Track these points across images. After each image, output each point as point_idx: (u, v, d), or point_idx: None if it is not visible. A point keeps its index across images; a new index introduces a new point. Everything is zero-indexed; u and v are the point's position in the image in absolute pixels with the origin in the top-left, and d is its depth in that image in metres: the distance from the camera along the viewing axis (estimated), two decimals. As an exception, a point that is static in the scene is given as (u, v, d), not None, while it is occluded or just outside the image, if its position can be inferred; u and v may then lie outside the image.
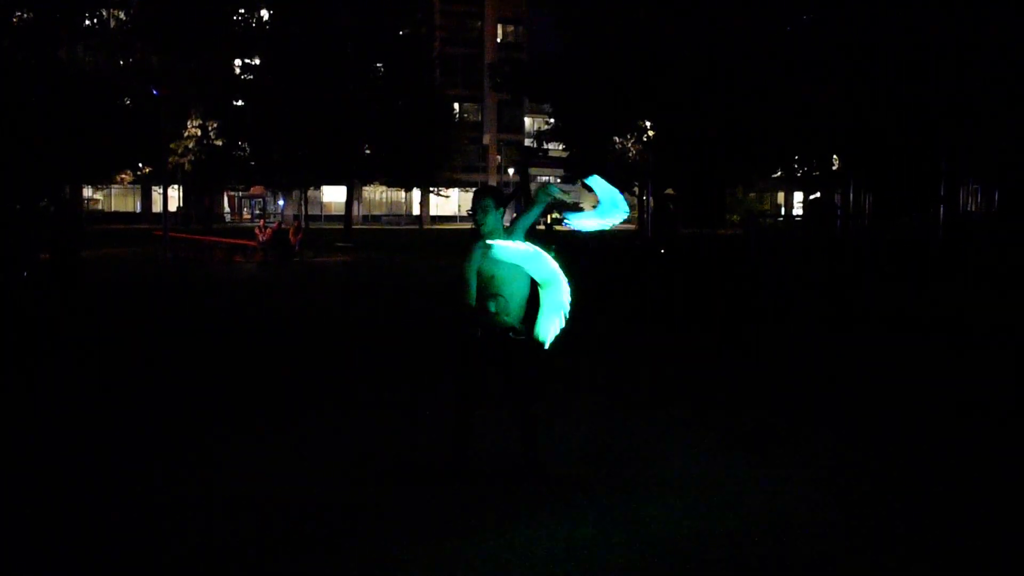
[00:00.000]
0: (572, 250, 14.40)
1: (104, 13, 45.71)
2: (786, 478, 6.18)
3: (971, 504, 5.77)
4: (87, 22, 43.38)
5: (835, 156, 38.17)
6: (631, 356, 11.20)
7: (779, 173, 44.68)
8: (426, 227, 65.18)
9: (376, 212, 73.79)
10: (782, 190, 71.71)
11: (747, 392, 8.97)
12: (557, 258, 5.98)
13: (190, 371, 10.03)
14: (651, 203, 41.25)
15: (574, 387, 9.00)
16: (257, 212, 68.44)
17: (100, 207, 67.32)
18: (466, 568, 4.72)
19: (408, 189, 65.92)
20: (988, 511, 5.65)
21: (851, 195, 38.12)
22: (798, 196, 68.39)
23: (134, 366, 10.36)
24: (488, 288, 5.82)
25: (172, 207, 50.00)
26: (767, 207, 71.07)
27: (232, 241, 29.84)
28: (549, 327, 5.74)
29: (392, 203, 74.66)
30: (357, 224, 58.43)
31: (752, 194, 69.32)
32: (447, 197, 71.15)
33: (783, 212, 68.39)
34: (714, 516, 5.44)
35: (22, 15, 37.02)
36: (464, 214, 72.86)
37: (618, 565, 4.77)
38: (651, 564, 4.79)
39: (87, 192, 64.27)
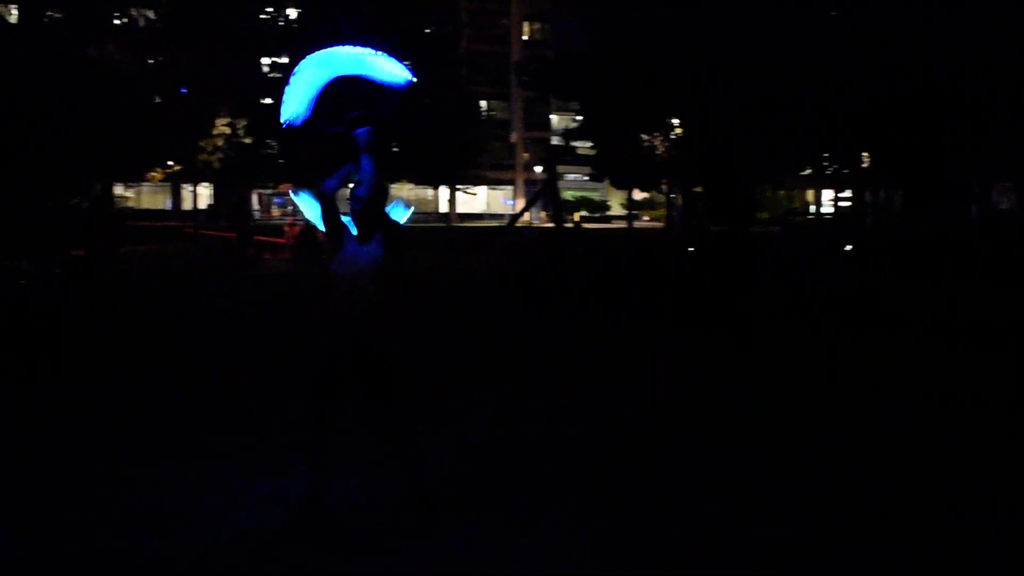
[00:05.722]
0: (597, 248, 14.38)
1: (134, 12, 45.98)
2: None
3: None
4: (117, 21, 43.65)
5: (865, 153, 37.85)
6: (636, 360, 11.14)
7: (809, 171, 44.32)
8: (453, 225, 65.17)
9: (403, 210, 73.54)
10: (812, 188, 71.13)
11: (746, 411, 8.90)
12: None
13: (212, 369, 10.09)
14: (679, 201, 41.12)
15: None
16: (288, 209, 68.69)
17: (131, 204, 67.81)
18: None
19: (435, 187, 65.98)
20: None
21: (881, 193, 37.84)
22: (828, 194, 67.85)
23: (158, 364, 10.42)
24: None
25: (202, 204, 50.30)
26: (797, 205, 70.55)
27: (261, 239, 29.94)
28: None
29: (419, 201, 74.75)
30: (385, 222, 58.24)
31: (782, 192, 68.85)
32: (474, 195, 71.17)
33: (812, 210, 67.98)
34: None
35: (52, 14, 37.28)
36: (491, 212, 73.11)
37: None
38: None
39: (118, 190, 64.70)
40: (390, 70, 5.48)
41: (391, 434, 5.33)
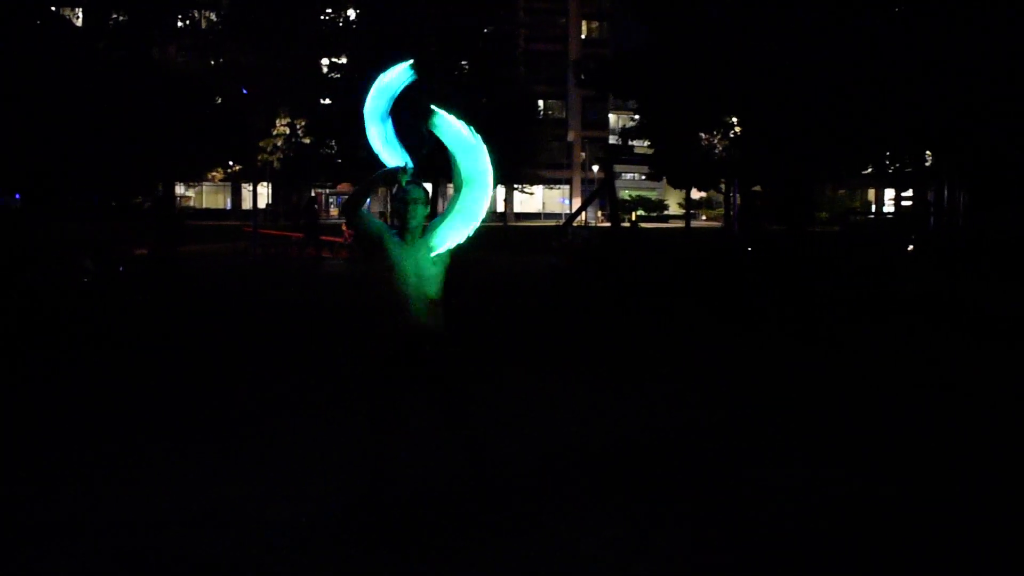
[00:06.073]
0: (654, 247, 14.31)
1: (196, 14, 46.63)
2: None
3: None
4: (180, 23, 44.29)
5: (928, 152, 37.20)
6: (710, 355, 11.05)
7: (869, 169, 43.66)
8: (510, 224, 65.27)
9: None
10: (873, 187, 70.14)
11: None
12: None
13: (270, 364, 10.18)
14: (738, 200, 40.75)
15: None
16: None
17: (191, 204, 68.88)
18: None
19: (492, 186, 66.07)
20: None
21: (945, 192, 37.17)
22: (889, 193, 66.84)
23: (214, 360, 10.53)
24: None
25: (261, 204, 50.88)
26: (857, 204, 69.61)
27: (319, 238, 30.17)
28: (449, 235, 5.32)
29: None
30: (442, 221, 58.55)
31: (842, 191, 67.99)
32: (531, 194, 71.21)
33: (874, 209, 67.01)
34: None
35: (117, 17, 37.91)
36: (548, 212, 73.10)
37: None
38: None
39: (179, 189, 65.70)
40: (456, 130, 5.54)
41: (457, 430, 5.37)
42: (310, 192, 51.55)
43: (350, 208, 5.30)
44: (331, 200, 72.56)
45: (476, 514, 5.38)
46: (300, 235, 30.87)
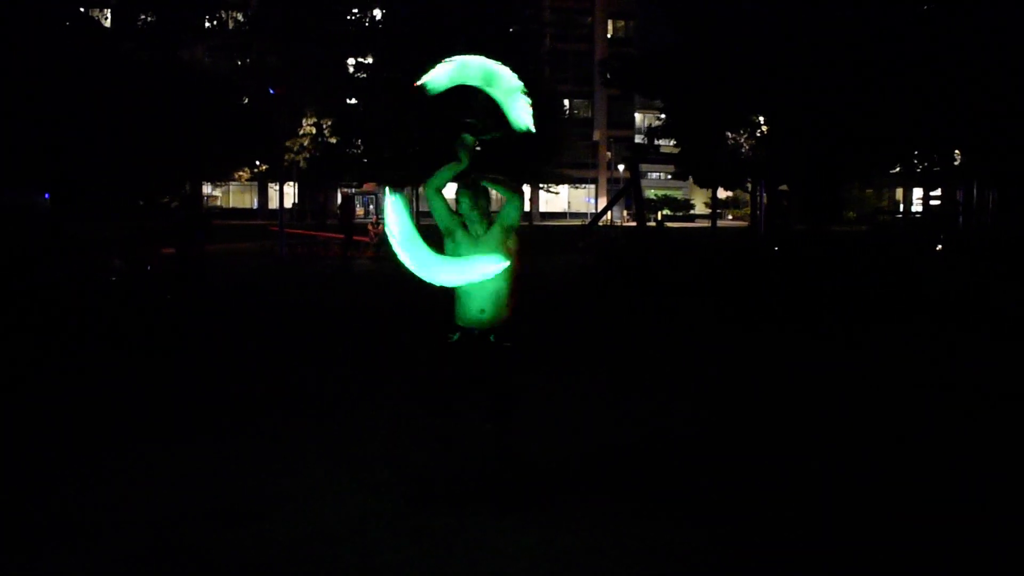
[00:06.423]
0: (681, 247, 14.25)
1: (223, 14, 46.90)
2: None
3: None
4: (207, 23, 44.54)
5: (957, 151, 36.87)
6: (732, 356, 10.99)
7: (897, 168, 43.34)
8: (536, 224, 65.25)
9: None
10: (901, 186, 69.63)
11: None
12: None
13: (300, 362, 10.21)
14: (765, 200, 40.53)
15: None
16: (371, 209, 69.50)
17: (218, 204, 69.33)
18: None
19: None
20: None
21: (975, 191, 36.82)
22: (917, 192, 66.34)
23: (243, 359, 10.57)
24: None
25: (288, 203, 51.11)
26: (885, 203, 69.13)
27: (353, 238, 30.24)
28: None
29: (501, 200, 74.66)
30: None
31: (869, 190, 67.54)
32: (557, 194, 71.13)
33: (902, 209, 66.54)
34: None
35: (145, 18, 38.16)
36: (573, 211, 73.03)
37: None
38: None
39: (206, 189, 66.10)
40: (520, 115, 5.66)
41: (497, 420, 5.59)
42: (348, 192, 51.77)
43: (433, 189, 5.52)
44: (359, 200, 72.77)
45: (498, 502, 5.50)
46: (325, 235, 31.00)
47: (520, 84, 5.66)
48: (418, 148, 43.66)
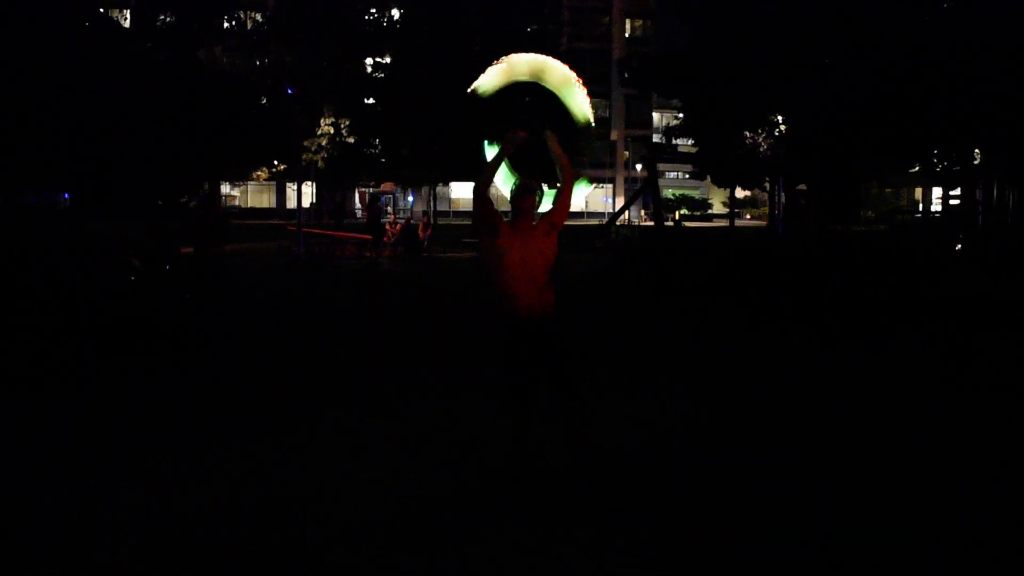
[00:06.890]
0: (698, 247, 14.22)
1: (242, 15, 47.11)
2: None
3: None
4: (225, 24, 44.75)
5: (976, 150, 36.66)
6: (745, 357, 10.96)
7: (916, 168, 43.11)
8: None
9: (503, 208, 73.97)
10: (920, 185, 69.26)
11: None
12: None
13: (316, 361, 10.24)
14: (782, 199, 40.42)
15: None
16: (388, 209, 69.68)
17: (236, 203, 69.61)
18: None
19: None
20: None
21: (995, 190, 36.61)
22: (937, 192, 65.98)
23: (259, 360, 10.60)
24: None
25: (305, 203, 51.26)
26: (904, 203, 68.82)
27: (363, 236, 30.31)
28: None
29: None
30: (484, 220, 58.75)
31: (888, 189, 67.25)
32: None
33: (921, 208, 66.20)
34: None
35: (164, 18, 38.35)
36: (590, 210, 72.91)
37: None
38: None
39: (224, 188, 66.38)
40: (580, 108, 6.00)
41: (565, 404, 5.75)
42: (374, 191, 51.93)
43: (481, 185, 5.81)
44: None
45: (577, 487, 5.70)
46: (343, 235, 31.06)
47: (573, 75, 5.78)
48: (436, 147, 43.75)
